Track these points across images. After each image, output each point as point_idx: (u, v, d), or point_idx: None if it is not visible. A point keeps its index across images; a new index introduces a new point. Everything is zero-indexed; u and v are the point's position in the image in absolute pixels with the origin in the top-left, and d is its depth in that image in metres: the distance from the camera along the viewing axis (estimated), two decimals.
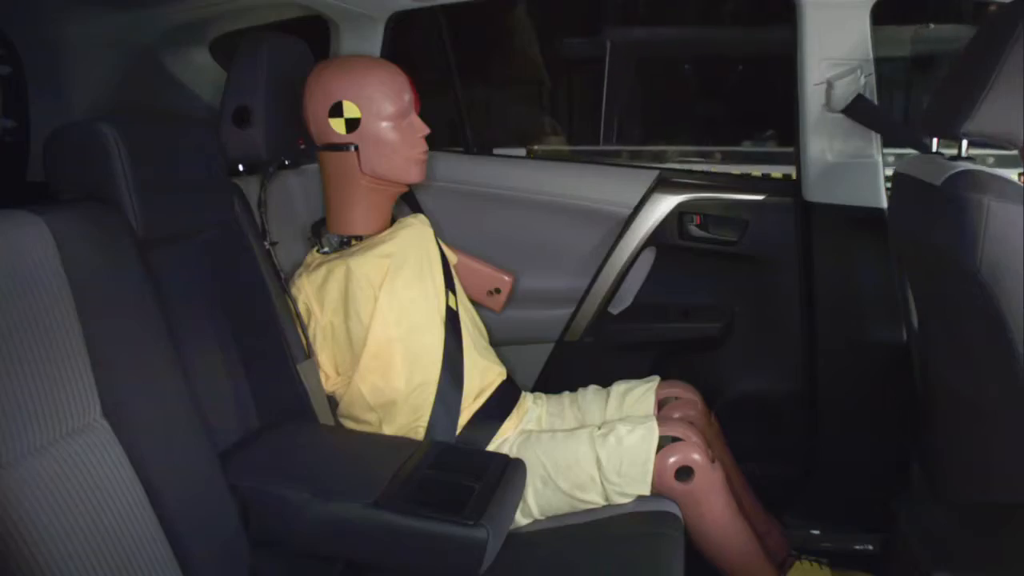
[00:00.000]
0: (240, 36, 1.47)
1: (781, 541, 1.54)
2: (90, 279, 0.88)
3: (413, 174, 1.38)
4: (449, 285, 1.44)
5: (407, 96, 1.36)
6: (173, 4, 1.61)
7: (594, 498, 1.31)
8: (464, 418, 1.38)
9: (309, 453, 1.17)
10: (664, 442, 1.29)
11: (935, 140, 1.31)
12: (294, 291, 1.35)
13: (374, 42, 1.70)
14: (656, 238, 1.70)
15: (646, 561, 1.18)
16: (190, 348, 1.09)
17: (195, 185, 1.13)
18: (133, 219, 0.98)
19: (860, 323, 1.58)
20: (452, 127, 2.03)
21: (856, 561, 1.56)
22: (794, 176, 1.65)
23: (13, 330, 0.79)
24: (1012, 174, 1.19)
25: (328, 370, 1.36)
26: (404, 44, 1.76)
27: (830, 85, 1.50)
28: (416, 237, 1.43)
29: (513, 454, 1.33)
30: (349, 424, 1.38)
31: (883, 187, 1.54)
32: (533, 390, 1.58)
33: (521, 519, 1.32)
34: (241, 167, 1.33)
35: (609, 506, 1.31)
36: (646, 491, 1.29)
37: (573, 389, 1.56)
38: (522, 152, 2.60)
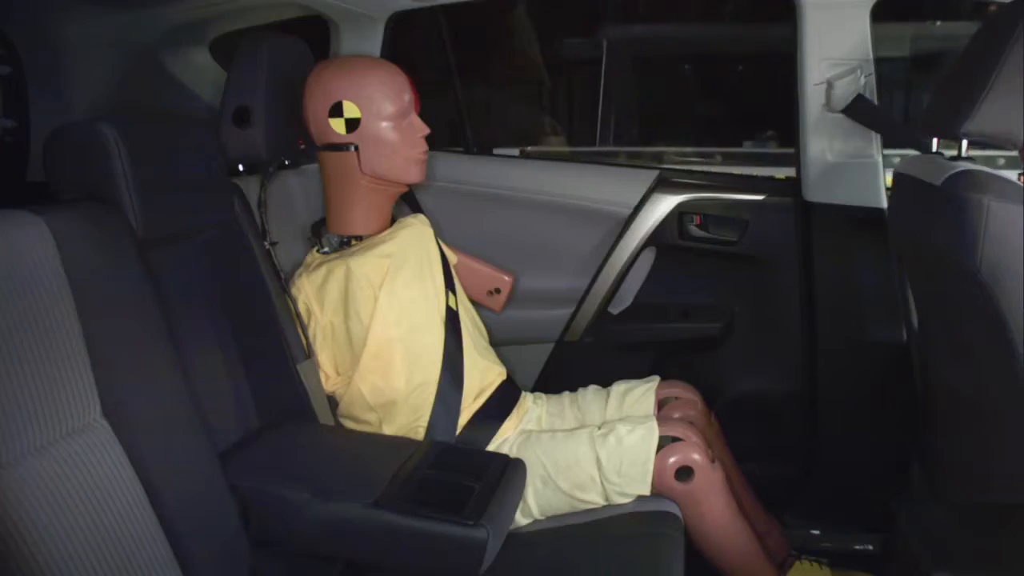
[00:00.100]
0: (240, 36, 1.47)
1: (781, 541, 1.54)
2: (90, 279, 0.88)
3: (413, 174, 1.38)
4: (449, 285, 1.44)
5: (407, 96, 1.36)
6: (173, 4, 1.61)
7: (594, 498, 1.31)
8: (464, 418, 1.38)
9: (309, 453, 1.17)
10: (664, 442, 1.29)
11: (935, 140, 1.31)
12: (294, 291, 1.35)
13: (374, 42, 1.70)
14: (656, 238, 1.70)
15: (646, 561, 1.18)
16: (190, 348, 1.09)
17: (195, 185, 1.13)
18: (133, 219, 0.98)
19: (860, 323, 1.58)
20: (452, 127, 2.03)
21: (856, 561, 1.56)
22: (794, 176, 1.65)
23: (13, 330, 0.79)
24: (1013, 174, 1.19)
25: (328, 370, 1.36)
26: (404, 44, 1.76)
27: (830, 85, 1.50)
28: (416, 237, 1.43)
29: (513, 454, 1.33)
30: (349, 424, 1.38)
31: (883, 187, 1.54)
32: (533, 390, 1.58)
33: (521, 519, 1.32)
34: (241, 167, 1.33)
35: (609, 506, 1.31)
36: (646, 491, 1.29)
37: (573, 389, 1.56)
38: (515, 153, 2.59)
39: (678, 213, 1.69)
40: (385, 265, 1.34)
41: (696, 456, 1.29)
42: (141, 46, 1.70)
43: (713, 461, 1.31)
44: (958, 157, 1.16)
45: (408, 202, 1.64)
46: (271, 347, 1.25)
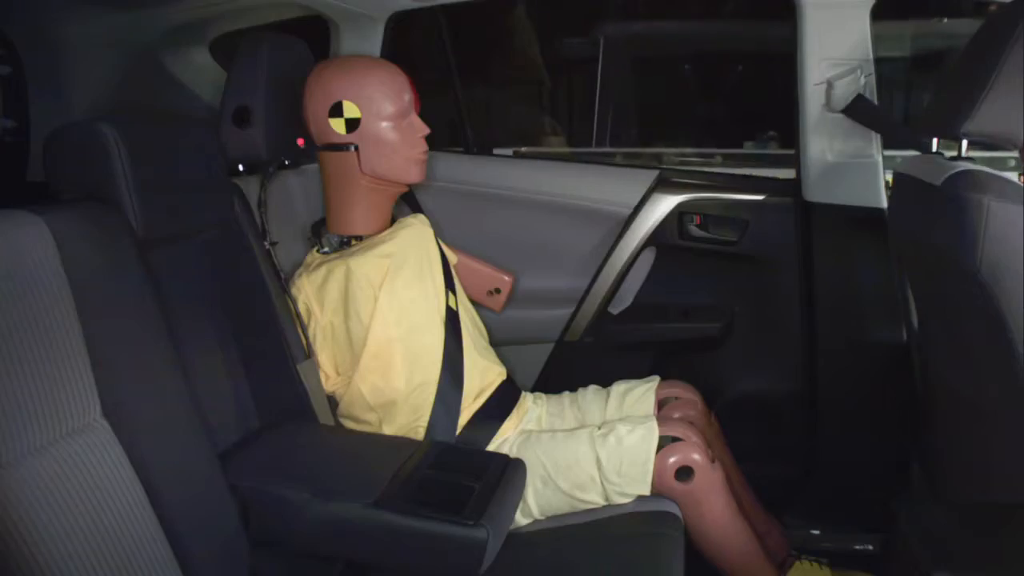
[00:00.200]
0: (240, 36, 1.47)
1: (781, 541, 1.54)
2: (90, 279, 0.88)
3: (413, 174, 1.38)
4: (449, 285, 1.44)
5: (407, 96, 1.36)
6: (173, 4, 1.61)
7: (594, 498, 1.31)
8: (464, 418, 1.38)
9: (309, 453, 1.17)
10: (664, 442, 1.29)
11: (935, 140, 1.31)
12: (294, 291, 1.35)
13: (374, 42, 1.70)
14: (656, 238, 1.70)
15: (646, 561, 1.18)
16: (190, 348, 1.09)
17: (195, 185, 1.13)
18: (133, 219, 0.98)
19: (860, 323, 1.58)
20: (452, 127, 2.03)
21: (856, 561, 1.56)
22: (794, 176, 1.65)
23: (13, 330, 0.79)
24: (1013, 175, 1.19)
25: (328, 370, 1.36)
26: (404, 44, 1.76)
27: (830, 85, 1.50)
28: (416, 237, 1.43)
29: (513, 454, 1.33)
30: (349, 424, 1.38)
31: (883, 187, 1.54)
32: (533, 390, 1.58)
33: (521, 519, 1.32)
34: (241, 167, 1.33)
35: (609, 506, 1.31)
36: (646, 491, 1.29)
37: (573, 389, 1.56)
38: (509, 154, 2.59)
39: (678, 213, 1.69)
40: (385, 265, 1.34)
41: (696, 456, 1.29)
42: (141, 46, 1.70)
43: (713, 461, 1.31)
44: (958, 157, 1.16)
45: (408, 202, 1.64)
46: (271, 347, 1.25)
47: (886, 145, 1.55)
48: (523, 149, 2.31)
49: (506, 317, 1.71)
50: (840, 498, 1.61)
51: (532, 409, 1.50)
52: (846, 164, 1.54)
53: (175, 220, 1.09)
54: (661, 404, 1.48)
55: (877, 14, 1.50)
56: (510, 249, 1.72)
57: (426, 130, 1.39)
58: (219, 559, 0.98)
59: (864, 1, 1.48)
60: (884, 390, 1.54)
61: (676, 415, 1.47)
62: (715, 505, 1.31)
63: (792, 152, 1.65)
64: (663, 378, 1.53)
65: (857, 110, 1.50)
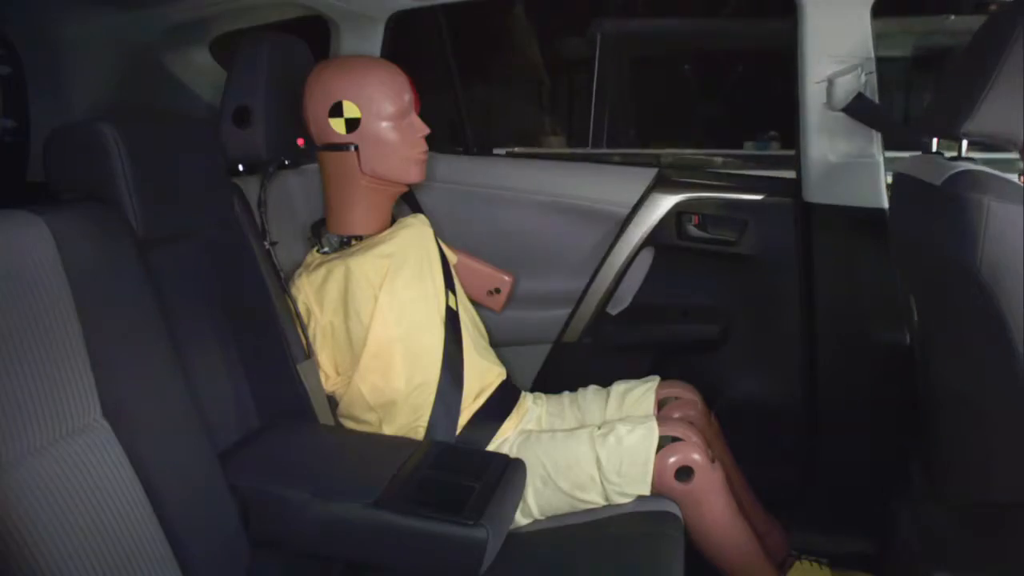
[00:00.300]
0: (240, 36, 1.46)
1: (781, 541, 1.54)
2: (90, 279, 0.88)
3: (413, 174, 1.38)
4: (449, 285, 1.44)
5: (407, 96, 1.36)
6: (173, 3, 1.61)
7: (594, 498, 1.31)
8: (464, 418, 1.38)
9: (309, 453, 1.17)
10: (664, 442, 1.29)
11: (935, 140, 1.31)
12: (294, 291, 1.35)
13: (374, 42, 1.70)
14: (654, 238, 1.70)
15: (646, 561, 1.18)
16: (190, 348, 1.09)
17: (195, 185, 1.13)
18: (133, 219, 0.98)
19: (860, 323, 1.57)
20: (451, 127, 2.02)
21: (856, 561, 1.56)
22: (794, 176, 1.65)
23: (13, 330, 0.79)
24: (1013, 175, 1.18)
25: (328, 370, 1.36)
26: (404, 44, 1.76)
27: (831, 83, 1.49)
28: (416, 237, 1.43)
29: (513, 454, 1.32)
30: (349, 424, 1.38)
31: (884, 187, 1.54)
32: (532, 391, 1.58)
33: (521, 519, 1.32)
34: (241, 167, 1.33)
35: (609, 506, 1.31)
36: (646, 491, 1.29)
37: (572, 390, 1.56)
38: (502, 154, 2.58)
39: (676, 213, 1.69)
40: (385, 265, 1.34)
41: (696, 456, 1.29)
42: (141, 46, 1.70)
43: (713, 461, 1.31)
44: (958, 157, 1.16)
45: (408, 202, 1.64)
46: (271, 347, 1.25)
47: (887, 146, 1.55)
48: (516, 150, 2.29)
49: (504, 317, 1.71)
50: (840, 498, 1.61)
51: (532, 409, 1.50)
52: (847, 164, 1.53)
53: (175, 220, 1.09)
54: (661, 404, 1.48)
55: (877, 11, 1.49)
56: (509, 249, 1.72)
57: (426, 130, 1.39)
58: (219, 559, 0.98)
59: None
60: (884, 390, 1.54)
61: (676, 415, 1.46)
62: (715, 505, 1.31)
63: (793, 153, 1.64)
64: (662, 379, 1.53)
65: (858, 109, 1.49)
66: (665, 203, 1.69)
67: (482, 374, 1.43)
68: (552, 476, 1.31)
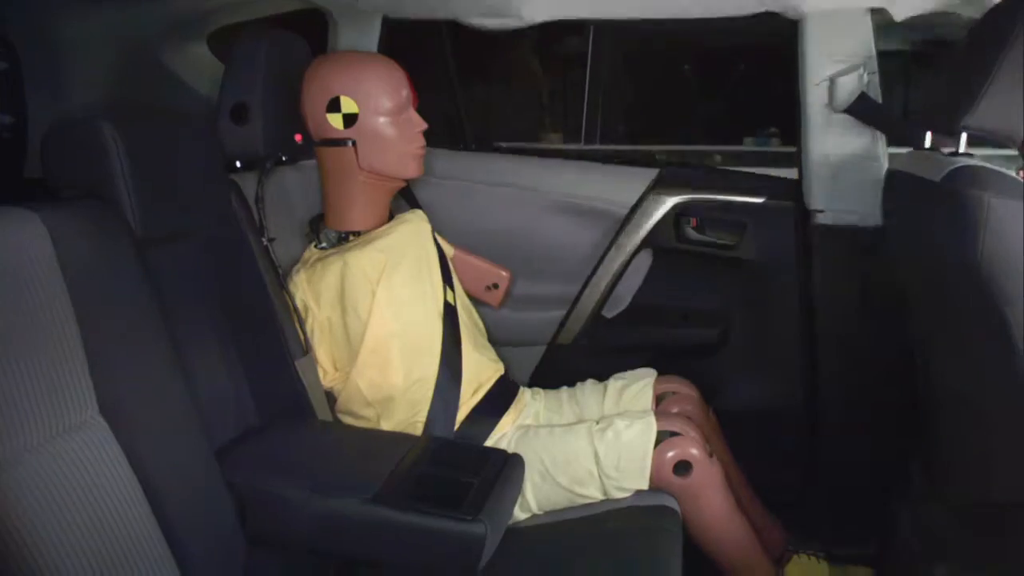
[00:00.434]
0: (237, 30, 1.46)
1: (779, 536, 1.54)
2: (86, 276, 0.88)
3: (411, 169, 1.38)
4: (447, 281, 1.44)
5: (405, 91, 1.36)
6: None
7: (592, 493, 1.31)
8: (462, 413, 1.38)
9: (307, 450, 1.17)
10: (662, 437, 1.29)
11: (928, 136, 1.29)
12: (292, 287, 1.35)
13: (372, 37, 1.69)
14: (653, 240, 1.68)
15: (644, 556, 1.19)
16: (188, 345, 1.08)
17: (193, 182, 1.13)
18: (130, 215, 0.98)
19: (860, 325, 1.55)
20: (448, 123, 2.01)
21: (856, 560, 1.56)
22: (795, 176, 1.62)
23: (8, 328, 0.78)
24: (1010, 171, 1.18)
25: (326, 365, 1.36)
26: (402, 39, 1.75)
27: (832, 84, 1.46)
28: (414, 232, 1.43)
29: (511, 449, 1.33)
30: (347, 420, 1.38)
31: None
32: (529, 386, 1.58)
33: (520, 514, 1.32)
34: (238, 163, 1.32)
35: (607, 501, 1.31)
36: (644, 485, 1.29)
37: (570, 385, 1.56)
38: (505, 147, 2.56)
39: (675, 215, 1.67)
40: (383, 260, 1.34)
41: (694, 451, 1.30)
42: (139, 40, 1.70)
43: (711, 456, 1.31)
44: (956, 153, 1.15)
45: (405, 197, 1.64)
46: (269, 343, 1.25)
47: (891, 143, 1.51)
48: (504, 145, 2.27)
49: (498, 317, 1.69)
50: (840, 499, 1.60)
51: (530, 404, 1.50)
52: (850, 167, 1.50)
53: (173, 216, 1.09)
54: (659, 399, 1.49)
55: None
56: (506, 247, 1.70)
57: (424, 125, 1.39)
58: (216, 556, 0.98)
59: None
60: (884, 390, 1.52)
61: (674, 410, 1.47)
62: (713, 499, 1.32)
63: (794, 150, 1.62)
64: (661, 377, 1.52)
65: (860, 110, 1.45)
66: (663, 204, 1.67)
67: (480, 369, 1.43)
68: (550, 471, 1.31)
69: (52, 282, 0.84)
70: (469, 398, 1.40)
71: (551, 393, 1.54)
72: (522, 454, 1.25)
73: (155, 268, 1.02)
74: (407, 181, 1.43)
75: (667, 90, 4.07)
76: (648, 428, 1.30)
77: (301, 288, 1.34)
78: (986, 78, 1.04)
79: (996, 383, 1.07)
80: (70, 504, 0.81)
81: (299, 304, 1.34)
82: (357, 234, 1.39)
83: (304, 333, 1.33)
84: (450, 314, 1.40)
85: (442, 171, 1.70)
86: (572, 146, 3.77)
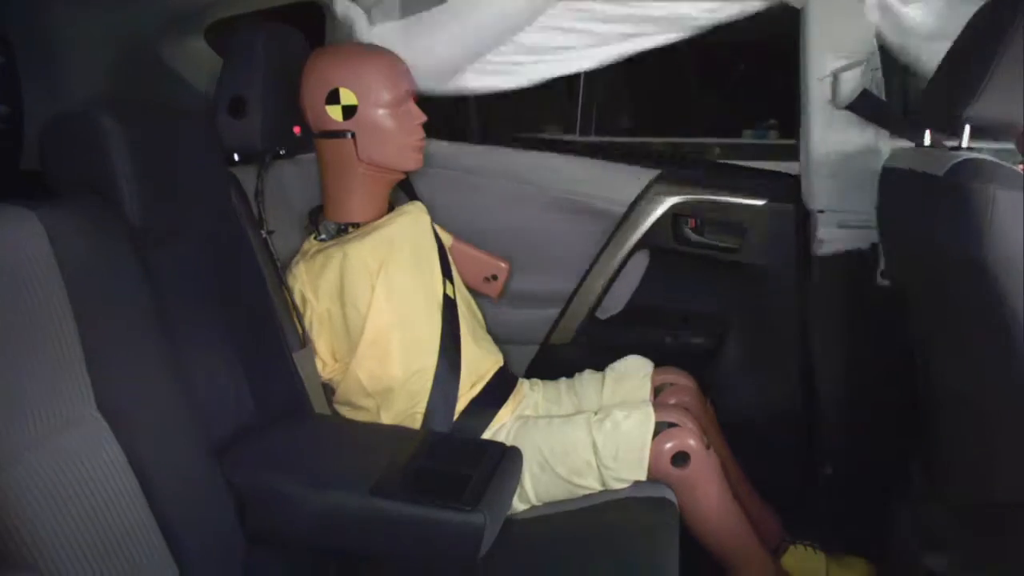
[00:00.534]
0: (233, 23, 1.45)
1: (776, 527, 1.54)
2: (84, 273, 0.87)
3: (410, 161, 1.38)
4: (446, 272, 1.44)
5: (404, 83, 1.36)
6: None
7: (591, 483, 1.31)
8: (461, 404, 1.38)
9: (305, 445, 1.17)
10: (660, 428, 1.30)
11: (927, 133, 1.28)
12: (291, 279, 1.35)
13: None
14: (650, 240, 1.66)
15: (642, 546, 1.19)
16: (186, 340, 1.07)
17: (193, 176, 1.12)
18: (130, 210, 0.97)
19: (860, 322, 1.54)
20: (447, 120, 1.99)
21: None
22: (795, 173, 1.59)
23: (6, 327, 0.78)
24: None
25: (325, 357, 1.36)
26: None
27: (835, 79, 1.44)
28: (413, 224, 1.43)
29: (510, 440, 1.33)
30: (347, 410, 1.39)
31: None
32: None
33: (518, 504, 1.33)
34: (236, 157, 1.32)
35: (606, 491, 1.32)
36: (642, 476, 1.30)
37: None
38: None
39: (672, 215, 1.64)
40: (382, 252, 1.34)
41: (692, 442, 1.30)
42: (136, 35, 1.69)
43: (708, 447, 1.32)
44: (958, 147, 1.14)
45: (404, 189, 1.63)
46: (268, 338, 1.25)
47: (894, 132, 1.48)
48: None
49: (493, 313, 1.65)
50: (840, 499, 1.59)
51: (529, 395, 1.50)
52: (851, 165, 1.47)
53: (172, 210, 1.08)
54: (657, 391, 1.49)
55: None
56: (504, 241, 1.68)
57: (423, 117, 1.38)
58: (214, 553, 0.98)
59: None
60: (884, 390, 1.51)
61: (672, 401, 1.47)
62: (710, 491, 1.32)
63: (793, 142, 1.58)
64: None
65: (863, 106, 1.43)
66: (661, 204, 1.65)
67: (479, 361, 1.43)
68: (549, 462, 1.32)
69: (49, 280, 0.83)
70: (468, 389, 1.40)
71: (549, 384, 1.55)
72: (521, 445, 1.25)
73: (153, 263, 1.01)
74: (406, 173, 1.43)
75: (664, 82, 4.02)
76: (646, 419, 1.30)
77: (300, 280, 1.34)
78: (987, 68, 1.03)
79: (997, 382, 1.06)
80: (68, 501, 0.80)
81: (297, 296, 1.34)
82: (356, 226, 1.39)
83: (302, 326, 1.33)
84: (449, 306, 1.41)
85: (441, 163, 1.70)
86: (565, 136, 3.72)
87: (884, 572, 1.45)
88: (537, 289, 1.72)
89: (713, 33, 1.53)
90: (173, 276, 1.10)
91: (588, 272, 1.69)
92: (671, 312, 1.72)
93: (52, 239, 0.84)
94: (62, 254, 0.85)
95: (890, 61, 1.50)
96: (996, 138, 1.14)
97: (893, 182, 1.26)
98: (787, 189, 1.62)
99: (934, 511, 1.27)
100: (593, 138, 3.67)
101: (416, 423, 1.35)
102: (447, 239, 1.56)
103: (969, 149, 1.13)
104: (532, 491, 1.33)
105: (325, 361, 1.36)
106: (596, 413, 1.35)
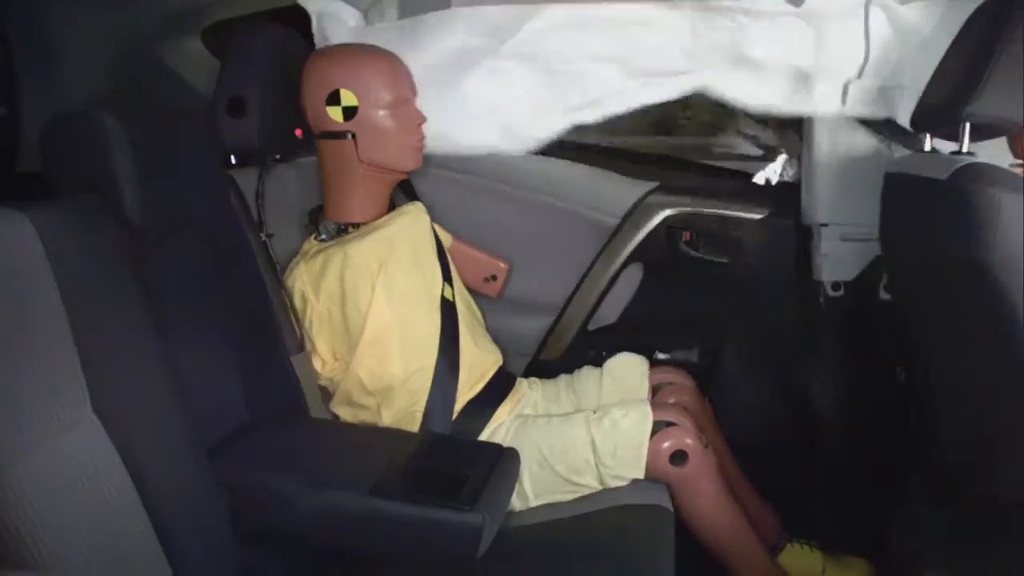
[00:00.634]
0: (233, 24, 1.45)
1: (774, 525, 1.55)
2: (77, 275, 0.86)
3: (411, 161, 1.38)
4: (446, 272, 1.45)
5: (405, 84, 1.36)
6: None
7: (590, 481, 1.32)
8: (460, 403, 1.39)
9: (302, 445, 1.17)
10: (658, 427, 1.30)
11: (928, 138, 1.28)
12: (291, 279, 1.35)
13: None
14: (643, 253, 1.64)
15: (639, 544, 1.20)
16: (183, 341, 1.07)
17: (192, 176, 1.12)
18: (130, 209, 0.97)
19: (860, 324, 1.53)
20: None
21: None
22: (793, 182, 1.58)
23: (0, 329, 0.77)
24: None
25: (325, 356, 1.36)
26: None
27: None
28: (413, 224, 1.43)
29: (509, 439, 1.34)
30: (347, 409, 1.39)
31: None
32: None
33: (517, 503, 1.33)
34: (235, 158, 1.32)
35: (604, 491, 1.32)
36: (640, 475, 1.30)
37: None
38: None
39: (666, 227, 1.63)
40: (382, 252, 1.35)
41: (689, 441, 1.31)
42: (136, 34, 1.69)
43: (706, 446, 1.33)
44: (960, 152, 1.14)
45: (403, 189, 1.64)
46: (265, 340, 1.25)
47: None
48: None
49: (489, 313, 1.63)
50: (840, 499, 1.59)
51: (528, 394, 1.51)
52: (856, 176, 1.45)
53: (172, 211, 1.08)
54: (655, 389, 1.50)
55: None
56: (502, 244, 1.67)
57: (423, 118, 1.39)
58: (210, 554, 0.98)
59: None
60: (884, 390, 1.51)
61: (670, 400, 1.48)
62: (708, 489, 1.33)
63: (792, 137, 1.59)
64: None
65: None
66: (655, 216, 1.63)
67: (478, 360, 1.44)
68: (548, 460, 1.32)
69: (43, 282, 0.82)
70: (467, 389, 1.40)
71: (548, 382, 1.55)
72: (520, 443, 1.26)
73: (152, 264, 1.01)
74: (407, 173, 1.43)
75: None
76: (644, 418, 1.31)
77: (300, 279, 1.34)
78: (987, 66, 1.03)
79: (997, 383, 1.07)
80: (63, 502, 0.80)
81: (297, 295, 1.34)
82: (356, 226, 1.39)
83: (300, 329, 1.33)
84: (448, 306, 1.41)
85: (441, 163, 1.69)
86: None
87: (883, 572, 1.45)
88: (531, 296, 1.70)
89: None
90: (172, 276, 1.10)
91: (580, 284, 1.67)
92: (665, 324, 1.70)
93: (44, 240, 0.83)
94: (55, 255, 0.83)
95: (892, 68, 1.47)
96: (991, 138, 1.13)
97: (895, 187, 1.26)
98: (785, 200, 1.61)
99: (934, 511, 1.28)
100: (591, 139, 3.66)
101: (416, 421, 1.35)
102: (447, 239, 1.56)
103: (970, 154, 1.13)
104: (531, 489, 1.33)
105: (325, 360, 1.36)
106: (595, 412, 1.35)
